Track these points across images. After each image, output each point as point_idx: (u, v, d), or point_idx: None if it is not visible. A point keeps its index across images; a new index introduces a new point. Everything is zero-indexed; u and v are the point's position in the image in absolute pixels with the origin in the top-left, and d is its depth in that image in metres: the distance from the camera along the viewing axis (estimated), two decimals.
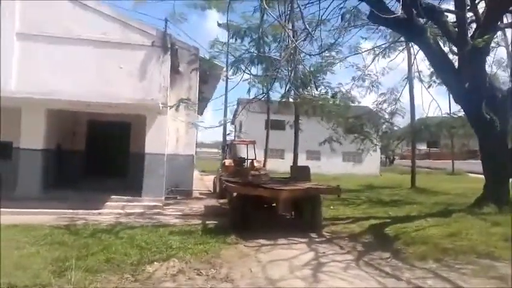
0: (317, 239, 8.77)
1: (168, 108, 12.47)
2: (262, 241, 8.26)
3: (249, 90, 12.75)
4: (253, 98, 12.28)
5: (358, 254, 7.55)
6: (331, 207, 13.08)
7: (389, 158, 51.15)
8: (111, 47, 11.74)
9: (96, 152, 14.12)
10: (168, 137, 14.50)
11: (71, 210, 10.52)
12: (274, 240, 8.39)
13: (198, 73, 15.37)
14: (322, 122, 15.91)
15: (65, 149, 13.74)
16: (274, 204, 9.72)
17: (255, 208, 9.62)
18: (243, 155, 18.34)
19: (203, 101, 23.27)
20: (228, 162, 16.20)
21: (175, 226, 9.30)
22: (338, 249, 7.98)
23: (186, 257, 6.67)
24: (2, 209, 10.03)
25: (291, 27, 10.71)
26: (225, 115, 31.73)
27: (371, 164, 36.50)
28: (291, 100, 17.24)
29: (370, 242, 8.51)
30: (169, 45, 12.11)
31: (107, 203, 11.27)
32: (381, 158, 42.20)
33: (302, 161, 32.42)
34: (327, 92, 13.73)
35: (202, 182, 22.25)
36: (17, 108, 11.00)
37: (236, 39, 11.54)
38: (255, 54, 11.15)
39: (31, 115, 11.07)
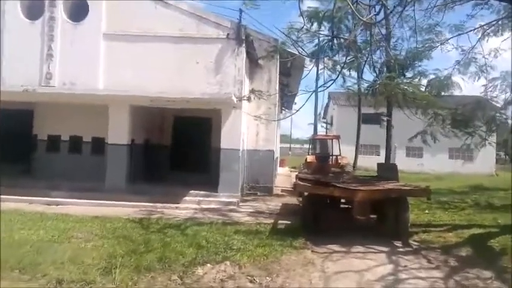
0: (400, 249, 7.54)
1: (244, 101, 12.18)
2: (333, 247, 7.37)
3: (335, 79, 11.72)
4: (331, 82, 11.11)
5: (449, 271, 6.23)
6: (426, 211, 11.44)
7: (508, 154, 44.38)
8: (188, 42, 11.81)
9: (181, 147, 14.50)
10: (247, 131, 14.26)
11: (151, 204, 10.86)
12: (348, 247, 7.42)
13: (278, 65, 14.82)
14: (419, 114, 14.08)
15: (152, 144, 14.39)
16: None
17: (329, 209, 8.73)
18: (327, 150, 17.27)
19: (288, 95, 22.69)
20: (310, 158, 15.42)
21: (244, 224, 8.88)
22: (425, 262, 6.71)
23: (241, 260, 6.15)
24: (92, 201, 10.82)
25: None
26: (316, 109, 30.82)
27: (484, 161, 32.06)
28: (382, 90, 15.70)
29: (468, 256, 7.02)
30: (243, 37, 11.73)
31: (185, 198, 11.39)
32: (498, 154, 36.75)
33: (401, 158, 29.90)
34: (420, 80, 11.99)
35: (290, 178, 21.68)
36: (105, 106, 11.71)
37: (314, 24, 10.63)
38: (339, 40, 10.13)
39: (117, 112, 11.70)
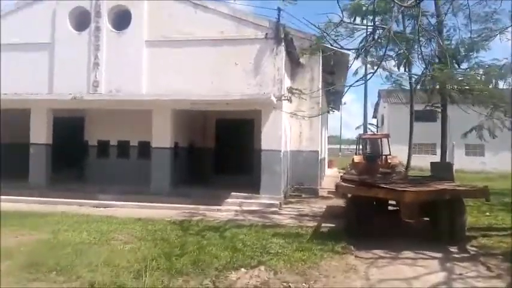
0: (456, 255, 6.85)
1: (286, 101, 11.87)
2: (379, 252, 6.86)
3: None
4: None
5: None
6: (487, 213, 10.45)
7: None
8: (227, 44, 11.77)
9: (224, 150, 14.49)
10: (290, 132, 13.94)
11: (193, 206, 10.89)
12: (396, 252, 6.87)
13: (321, 63, 14.35)
14: (477, 107, 12.92)
15: (196, 147, 14.53)
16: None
17: (375, 212, 8.17)
18: (376, 150, 16.43)
19: (334, 93, 22.00)
20: (357, 158, 14.77)
21: (285, 227, 8.57)
22: (484, 270, 6.02)
23: (277, 265, 5.85)
24: (138, 203, 11.06)
25: None
26: (365, 107, 29.69)
27: None
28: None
29: None
30: (282, 36, 11.45)
31: (227, 200, 11.30)
32: None
33: (460, 157, 27.98)
34: (477, 71, 10.94)
35: (338, 180, 21.01)
36: (150, 111, 11.96)
37: (355, 18, 10.09)
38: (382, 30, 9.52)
39: (159, 116, 11.90)
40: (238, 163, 13.99)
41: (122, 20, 12.50)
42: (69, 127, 14.19)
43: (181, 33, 11.96)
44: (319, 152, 14.84)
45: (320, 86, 14.31)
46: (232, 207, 10.92)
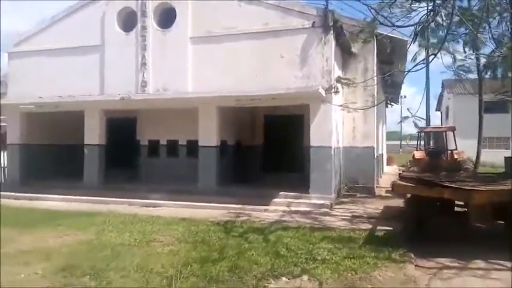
0: None
1: (338, 94, 11.11)
2: (444, 261, 5.97)
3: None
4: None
5: None
6: None
7: None
8: (272, 37, 11.20)
9: (273, 147, 13.98)
10: (341, 127, 13.11)
11: (240, 206, 10.52)
12: (464, 262, 5.93)
13: (375, 52, 13.32)
14: None
15: (244, 144, 14.17)
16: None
17: (439, 214, 7.21)
18: (440, 144, 14.97)
19: (391, 86, 20.58)
20: (418, 154, 13.51)
21: (335, 230, 7.86)
22: None
23: (324, 274, 5.23)
24: (185, 202, 10.91)
25: None
26: (428, 99, 27.63)
27: None
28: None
29: None
30: (330, 23, 10.67)
31: (275, 199, 10.78)
32: None
33: None
34: None
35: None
36: (196, 108, 11.78)
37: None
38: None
39: (205, 114, 11.67)
40: (288, 161, 13.41)
41: (167, 17, 12.44)
42: (123, 127, 14.55)
43: (225, 27, 11.61)
44: (375, 148, 13.79)
45: (375, 77, 13.28)
46: (280, 207, 10.38)
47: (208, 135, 11.73)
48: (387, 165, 26.91)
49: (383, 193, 13.30)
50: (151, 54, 12.32)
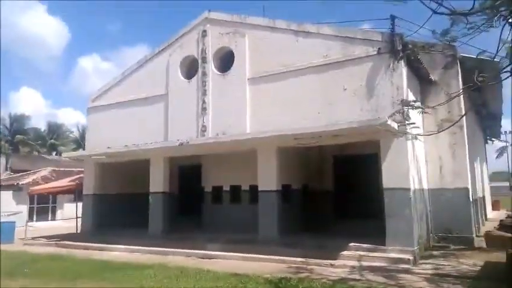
0: None
1: (415, 127, 9.52)
2: None
3: None
4: None
5: None
6: None
7: None
8: (333, 68, 10.25)
9: (344, 191, 12.49)
10: (424, 165, 11.26)
11: (302, 259, 9.21)
12: None
13: (461, 78, 11.49)
14: None
15: (312, 189, 12.91)
16: None
17: None
18: None
19: (489, 118, 17.82)
20: None
21: None
22: None
23: None
24: (242, 254, 9.91)
25: None
26: None
27: None
28: None
29: None
30: (399, 48, 9.38)
31: (344, 252, 9.23)
32: None
33: None
34: None
35: None
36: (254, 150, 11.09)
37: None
38: None
39: (264, 155, 10.88)
40: (362, 206, 11.75)
41: (225, 61, 12.32)
42: (190, 174, 14.48)
43: (283, 65, 11.00)
44: (471, 190, 11.49)
45: (462, 107, 11.37)
46: (349, 261, 8.80)
47: (268, 178, 10.84)
48: (493, 210, 22.94)
49: (485, 244, 10.80)
50: (211, 98, 12.16)
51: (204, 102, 12.24)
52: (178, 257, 10.39)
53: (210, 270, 8.42)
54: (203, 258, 10.20)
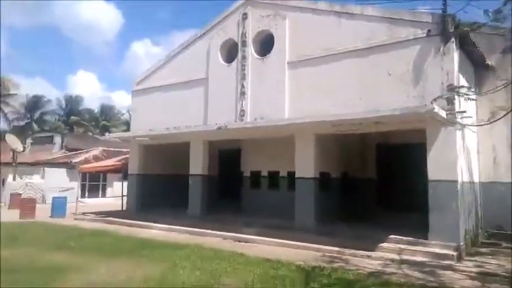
0: None
1: (465, 115, 8.90)
2: None
3: None
4: None
5: None
6: None
7: None
8: (377, 52, 9.71)
9: (387, 181, 11.98)
10: (476, 157, 10.53)
11: (338, 249, 8.98)
12: None
13: None
14: None
15: (353, 177, 12.52)
16: None
17: None
18: None
19: None
20: None
21: None
22: None
23: None
24: (277, 240, 9.87)
25: None
26: None
27: None
28: None
29: None
30: (451, 30, 8.68)
31: (383, 244, 8.90)
32: None
33: None
34: None
35: None
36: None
37: None
38: None
39: (302, 142, 10.68)
40: (405, 197, 11.20)
41: (265, 45, 12.10)
42: (230, 158, 14.59)
43: (324, 48, 10.59)
44: None
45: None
46: (387, 254, 8.46)
47: (305, 165, 10.64)
48: None
49: None
50: (250, 82, 12.04)
51: (243, 86, 12.16)
52: (215, 239, 10.55)
53: (244, 254, 8.46)
54: (239, 241, 10.29)
